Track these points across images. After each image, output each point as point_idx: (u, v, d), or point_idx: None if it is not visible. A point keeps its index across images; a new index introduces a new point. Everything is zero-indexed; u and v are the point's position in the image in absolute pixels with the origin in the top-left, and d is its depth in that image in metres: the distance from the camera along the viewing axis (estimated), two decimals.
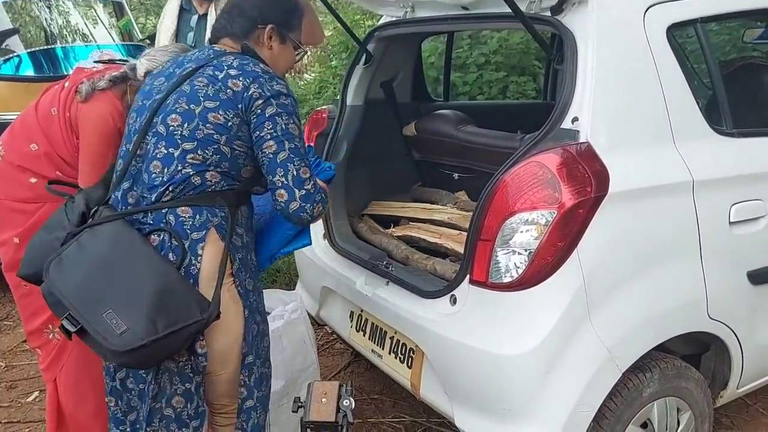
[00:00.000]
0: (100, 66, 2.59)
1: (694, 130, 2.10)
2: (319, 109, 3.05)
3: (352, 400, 1.61)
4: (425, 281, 2.33)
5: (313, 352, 2.74)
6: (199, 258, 1.73)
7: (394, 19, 2.79)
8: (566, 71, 1.97)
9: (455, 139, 2.88)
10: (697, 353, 2.37)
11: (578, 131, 1.92)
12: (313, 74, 8.07)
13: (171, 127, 1.78)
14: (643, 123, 2.01)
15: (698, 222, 2.04)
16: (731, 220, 2.11)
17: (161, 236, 1.73)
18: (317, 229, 2.87)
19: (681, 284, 2.05)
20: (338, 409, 1.61)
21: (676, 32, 2.14)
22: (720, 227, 2.10)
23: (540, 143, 1.97)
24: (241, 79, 1.77)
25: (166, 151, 1.78)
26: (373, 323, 2.57)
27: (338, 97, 3.00)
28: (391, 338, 2.46)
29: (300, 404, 1.67)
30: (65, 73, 3.65)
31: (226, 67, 1.80)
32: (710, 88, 2.25)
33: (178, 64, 1.90)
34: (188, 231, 1.74)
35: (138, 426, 1.83)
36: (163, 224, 1.74)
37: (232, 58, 1.83)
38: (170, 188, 1.76)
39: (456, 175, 3.05)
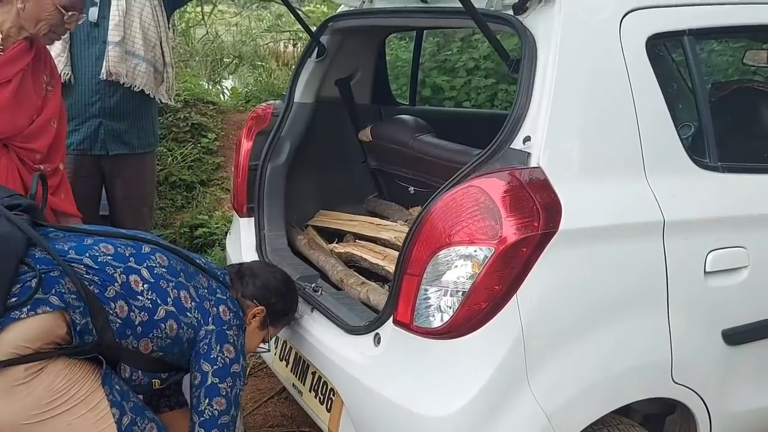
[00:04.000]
0: None
1: (671, 161, 1.78)
2: (263, 104, 2.73)
3: None
4: (352, 313, 2.02)
5: None
6: (31, 314, 1.52)
7: (350, 9, 2.48)
8: (521, 81, 1.65)
9: (410, 149, 2.57)
10: (662, 413, 2.06)
11: (530, 153, 1.61)
12: None
13: (151, 257, 1.76)
14: (608, 149, 1.70)
15: (667, 270, 1.72)
16: (707, 270, 1.79)
17: (29, 272, 1.56)
18: (249, 239, 2.57)
19: (641, 343, 1.73)
20: None
21: (658, 44, 1.82)
22: (693, 277, 1.78)
23: (485, 164, 1.66)
24: (231, 315, 1.83)
25: (126, 255, 1.71)
26: (296, 353, 2.26)
27: (285, 93, 2.69)
28: (313, 374, 2.14)
29: None
30: None
31: (226, 296, 1.87)
32: (695, 113, 1.93)
33: None
34: (53, 291, 1.56)
35: None
36: (43, 269, 1.57)
37: (228, 295, 1.89)
38: (90, 271, 1.63)
39: (412, 189, 2.74)
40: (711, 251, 1.79)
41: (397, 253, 2.34)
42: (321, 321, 2.07)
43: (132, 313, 1.64)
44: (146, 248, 1.76)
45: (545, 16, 1.70)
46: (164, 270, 1.73)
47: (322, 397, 2.07)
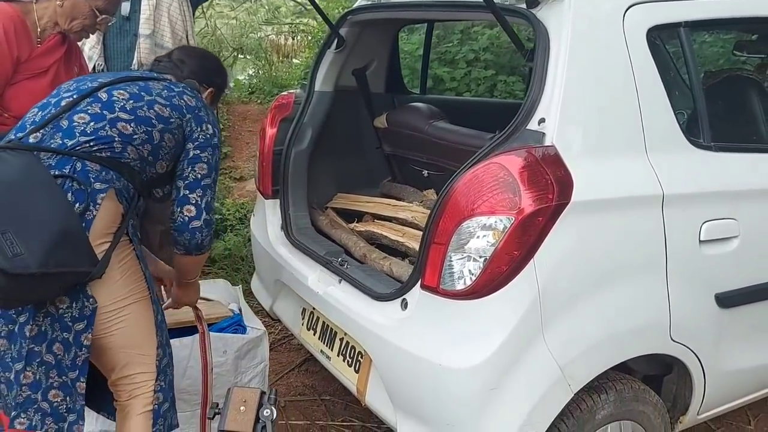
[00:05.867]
0: None
1: (669, 140, 1.97)
2: (285, 93, 2.90)
3: (273, 409, 1.48)
4: (378, 282, 2.20)
5: (265, 350, 2.61)
6: (97, 207, 1.73)
7: (368, 2, 2.65)
8: (536, 69, 1.84)
9: (425, 134, 2.75)
10: (660, 374, 2.26)
11: (544, 133, 1.79)
12: (300, 59, 7.90)
13: (114, 98, 1.86)
14: (614, 129, 1.89)
15: (666, 239, 1.92)
16: (701, 239, 1.99)
17: (65, 180, 1.72)
18: (275, 220, 2.75)
19: (643, 303, 1.93)
20: (257, 419, 1.47)
21: (657, 35, 2.01)
22: (689, 245, 1.98)
23: (504, 144, 1.84)
24: (195, 100, 1.98)
25: (99, 111, 1.82)
26: (324, 322, 2.44)
27: (305, 81, 2.86)
28: (341, 339, 2.33)
29: (217, 411, 1.54)
30: None
31: (181, 87, 2.00)
32: (691, 98, 2.12)
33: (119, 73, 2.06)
34: (92, 180, 1.74)
35: (12, 365, 1.71)
36: (68, 169, 1.72)
37: (182, 85, 2.03)
38: (91, 143, 1.78)
39: (426, 172, 2.92)
40: (705, 222, 1.99)
41: (415, 231, 2.55)
42: (349, 290, 2.25)
43: (140, 151, 1.83)
44: (103, 95, 1.85)
45: (556, 10, 1.88)
46: (132, 101, 1.85)
47: (350, 360, 2.26)
